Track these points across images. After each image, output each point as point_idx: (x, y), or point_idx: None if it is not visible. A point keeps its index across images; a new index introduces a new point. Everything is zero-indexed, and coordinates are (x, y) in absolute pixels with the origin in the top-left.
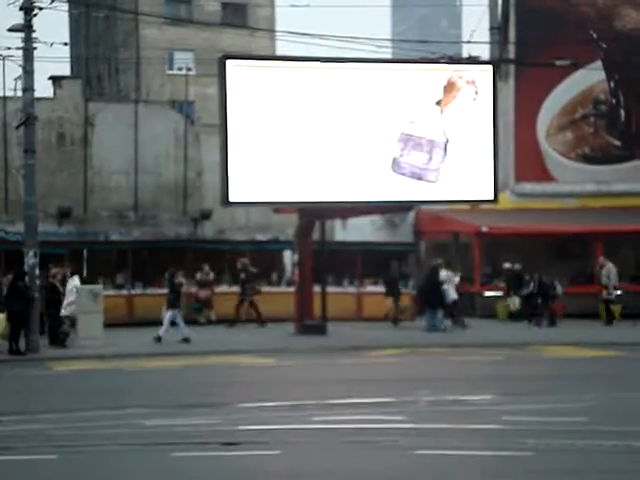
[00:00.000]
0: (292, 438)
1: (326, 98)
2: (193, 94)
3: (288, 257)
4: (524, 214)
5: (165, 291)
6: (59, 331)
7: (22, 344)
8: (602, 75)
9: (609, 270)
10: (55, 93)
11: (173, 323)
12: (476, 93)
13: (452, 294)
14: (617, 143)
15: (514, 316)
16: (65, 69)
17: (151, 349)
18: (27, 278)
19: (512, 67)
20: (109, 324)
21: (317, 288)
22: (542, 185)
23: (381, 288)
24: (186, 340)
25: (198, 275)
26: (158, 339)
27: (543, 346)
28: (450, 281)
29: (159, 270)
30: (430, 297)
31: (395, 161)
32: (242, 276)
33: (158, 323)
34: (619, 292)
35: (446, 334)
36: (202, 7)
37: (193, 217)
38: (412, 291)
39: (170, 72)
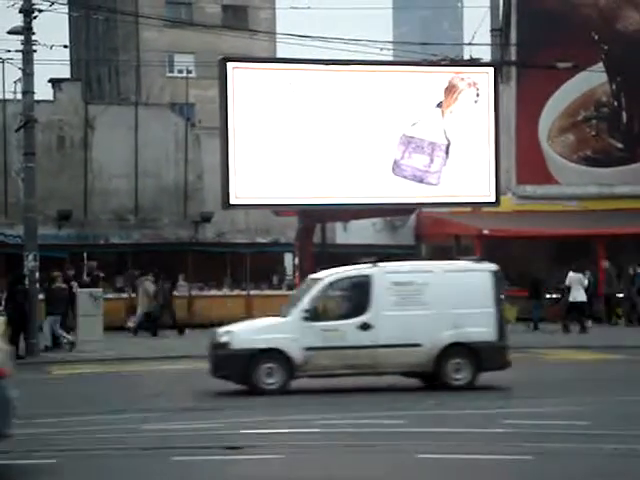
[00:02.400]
0: (294, 442)
1: (327, 100)
2: (193, 97)
3: (289, 260)
4: (526, 217)
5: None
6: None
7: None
8: (604, 77)
9: None
10: (55, 96)
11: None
12: (477, 95)
13: (581, 296)
14: (619, 145)
15: (521, 319)
16: (65, 72)
17: (151, 353)
18: (27, 281)
19: (514, 69)
20: (109, 327)
21: None
22: (544, 187)
23: None
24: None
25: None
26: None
27: (545, 350)
28: (580, 283)
29: (160, 273)
30: None
31: (396, 163)
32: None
33: (158, 326)
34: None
35: None
36: (202, 9)
37: (193, 220)
38: None
39: (170, 75)
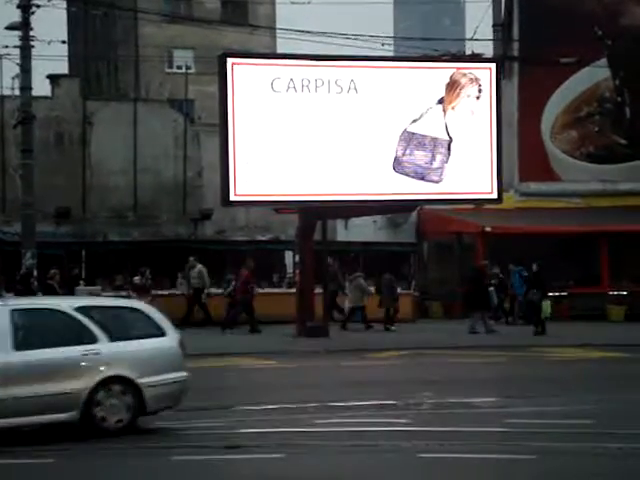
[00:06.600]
0: (294, 441)
1: (327, 96)
2: (193, 93)
3: (289, 258)
4: (528, 213)
5: (165, 292)
6: None
7: None
8: (607, 73)
9: (200, 271)
10: (53, 92)
11: None
12: (479, 91)
13: None
14: (622, 142)
15: (525, 317)
16: (63, 67)
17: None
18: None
19: (516, 65)
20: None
21: (318, 289)
22: (547, 184)
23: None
24: None
25: (137, 279)
26: None
27: (546, 348)
28: None
29: (158, 271)
30: (475, 299)
31: (397, 160)
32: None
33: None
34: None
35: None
36: (202, 4)
37: (193, 217)
38: (415, 292)
39: (169, 70)
